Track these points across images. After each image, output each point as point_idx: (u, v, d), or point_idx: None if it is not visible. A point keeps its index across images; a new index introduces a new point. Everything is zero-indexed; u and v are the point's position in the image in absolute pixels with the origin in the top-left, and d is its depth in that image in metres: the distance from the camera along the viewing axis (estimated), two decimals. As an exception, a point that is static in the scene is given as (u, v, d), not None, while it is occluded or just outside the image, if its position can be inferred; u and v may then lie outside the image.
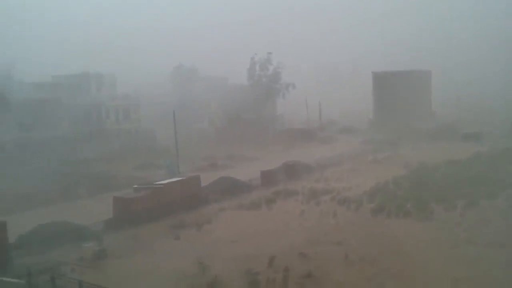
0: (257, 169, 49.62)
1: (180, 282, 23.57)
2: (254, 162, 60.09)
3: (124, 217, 35.00)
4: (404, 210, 33.09)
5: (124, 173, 54.63)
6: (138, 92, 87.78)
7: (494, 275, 22.12)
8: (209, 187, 44.17)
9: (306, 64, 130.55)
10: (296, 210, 35.82)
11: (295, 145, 71.94)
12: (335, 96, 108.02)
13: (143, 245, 30.08)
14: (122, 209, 35.80)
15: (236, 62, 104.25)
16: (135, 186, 40.11)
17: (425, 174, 45.69)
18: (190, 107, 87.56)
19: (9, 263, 27.54)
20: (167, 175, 49.82)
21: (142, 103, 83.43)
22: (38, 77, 78.67)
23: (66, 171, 54.00)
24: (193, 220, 34.83)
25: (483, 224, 29.49)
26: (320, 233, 29.61)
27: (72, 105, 71.76)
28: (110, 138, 71.95)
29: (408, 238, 27.79)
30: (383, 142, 68.94)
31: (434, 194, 36.76)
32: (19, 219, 35.20)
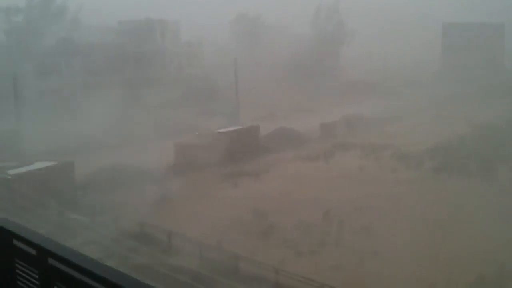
0: (317, 120, 49.25)
1: (236, 228, 24.19)
2: (314, 114, 59.56)
3: (185, 163, 35.92)
4: (467, 169, 32.13)
5: (186, 120, 55.61)
6: (201, 39, 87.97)
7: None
8: (268, 137, 44.38)
9: (371, 11, 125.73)
10: (354, 164, 35.51)
11: (357, 98, 70.60)
12: (400, 46, 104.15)
13: (203, 190, 30.90)
14: (184, 155, 36.73)
15: (300, 10, 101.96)
16: (197, 133, 40.90)
17: (492, 132, 43.81)
18: (252, 56, 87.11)
19: (76, 201, 29.11)
20: (228, 123, 50.34)
21: (205, 50, 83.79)
22: (104, 22, 79.99)
23: (131, 115, 55.51)
24: (251, 169, 35.32)
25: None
26: (378, 188, 29.35)
27: (137, 51, 73.02)
28: (173, 84, 73.08)
29: (469, 198, 27.11)
30: (450, 97, 66.47)
31: (500, 153, 35.35)
32: (85, 160, 36.73)
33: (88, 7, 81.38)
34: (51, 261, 3.22)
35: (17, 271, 3.57)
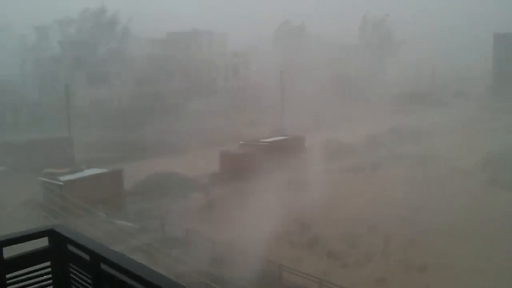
0: (363, 131, 48.68)
1: (280, 238, 24.12)
2: (360, 124, 58.90)
3: (229, 172, 36.13)
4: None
5: (231, 129, 56.06)
6: (247, 50, 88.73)
7: None
8: (313, 147, 44.09)
9: (420, 21, 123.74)
10: (402, 176, 34.83)
11: (405, 108, 69.39)
12: (450, 56, 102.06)
13: (247, 199, 30.91)
14: (228, 164, 36.95)
15: (347, 21, 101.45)
16: (241, 142, 41.12)
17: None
18: (297, 66, 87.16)
19: (124, 207, 29.73)
20: (272, 133, 50.36)
21: (251, 60, 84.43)
22: (153, 33, 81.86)
23: (177, 125, 56.40)
24: (296, 179, 35.13)
25: None
26: (426, 201, 28.67)
27: (184, 61, 74.32)
28: (219, 94, 73.93)
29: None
30: (502, 109, 64.41)
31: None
32: (134, 167, 37.49)
33: (138, 18, 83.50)
34: (103, 266, 3.28)
35: (71, 275, 3.65)
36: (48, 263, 3.70)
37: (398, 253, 21.64)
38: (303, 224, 25.38)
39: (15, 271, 3.59)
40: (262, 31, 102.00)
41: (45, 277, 3.70)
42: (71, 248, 3.58)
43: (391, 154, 41.83)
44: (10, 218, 25.38)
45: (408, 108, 70.22)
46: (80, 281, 3.56)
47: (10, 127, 56.66)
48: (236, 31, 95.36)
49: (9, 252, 3.63)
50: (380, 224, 24.49)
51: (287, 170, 36.98)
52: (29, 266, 3.65)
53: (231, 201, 30.60)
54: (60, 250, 3.65)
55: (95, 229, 23.44)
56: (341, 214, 26.94)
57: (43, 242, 3.72)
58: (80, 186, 29.05)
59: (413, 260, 20.88)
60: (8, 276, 3.55)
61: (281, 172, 36.36)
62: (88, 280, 3.47)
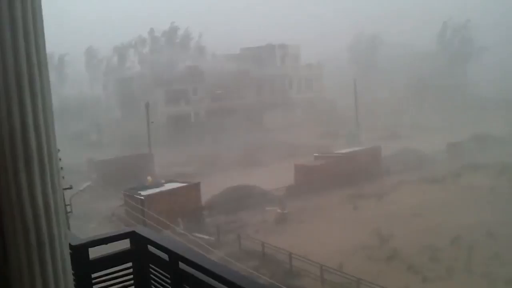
0: (443, 140, 46.98)
1: (358, 251, 23.71)
2: (440, 133, 56.88)
3: (304, 184, 36.05)
4: None
5: (305, 141, 55.91)
6: (321, 61, 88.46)
7: None
8: (390, 158, 43.15)
9: (503, 26, 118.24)
10: (485, 186, 33.23)
11: (488, 115, 66.29)
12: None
13: (322, 212, 30.72)
14: (303, 176, 36.89)
15: (421, 27, 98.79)
16: (316, 154, 40.95)
17: None
18: (373, 76, 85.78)
19: (201, 220, 30.39)
20: (348, 144, 49.81)
21: (325, 72, 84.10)
22: (227, 49, 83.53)
23: (253, 139, 57.04)
24: (372, 191, 34.48)
25: None
26: (510, 213, 27.18)
27: (258, 76, 75.22)
28: (293, 107, 74.14)
29: None
30: None
31: None
32: (210, 181, 38.25)
33: (211, 34, 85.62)
34: (182, 265, 3.41)
35: (151, 275, 3.82)
36: (130, 264, 3.90)
37: (482, 267, 20.67)
38: (381, 237, 24.82)
39: (100, 271, 3.82)
40: (336, 42, 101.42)
41: (127, 277, 3.91)
42: (151, 249, 3.77)
43: (474, 163, 40.02)
44: (94, 233, 26.59)
45: (492, 114, 67.06)
46: (160, 280, 3.72)
47: (94, 144, 59.65)
48: (310, 43, 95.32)
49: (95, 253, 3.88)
50: (462, 237, 23.52)
51: (362, 182, 36.40)
52: (112, 267, 3.88)
53: (306, 214, 30.50)
54: (141, 251, 3.83)
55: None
56: (420, 227, 26.09)
57: (125, 244, 3.95)
58: (159, 200, 30.02)
59: (499, 274, 19.86)
60: (93, 275, 3.79)
61: (356, 184, 35.85)
62: (167, 280, 3.62)
